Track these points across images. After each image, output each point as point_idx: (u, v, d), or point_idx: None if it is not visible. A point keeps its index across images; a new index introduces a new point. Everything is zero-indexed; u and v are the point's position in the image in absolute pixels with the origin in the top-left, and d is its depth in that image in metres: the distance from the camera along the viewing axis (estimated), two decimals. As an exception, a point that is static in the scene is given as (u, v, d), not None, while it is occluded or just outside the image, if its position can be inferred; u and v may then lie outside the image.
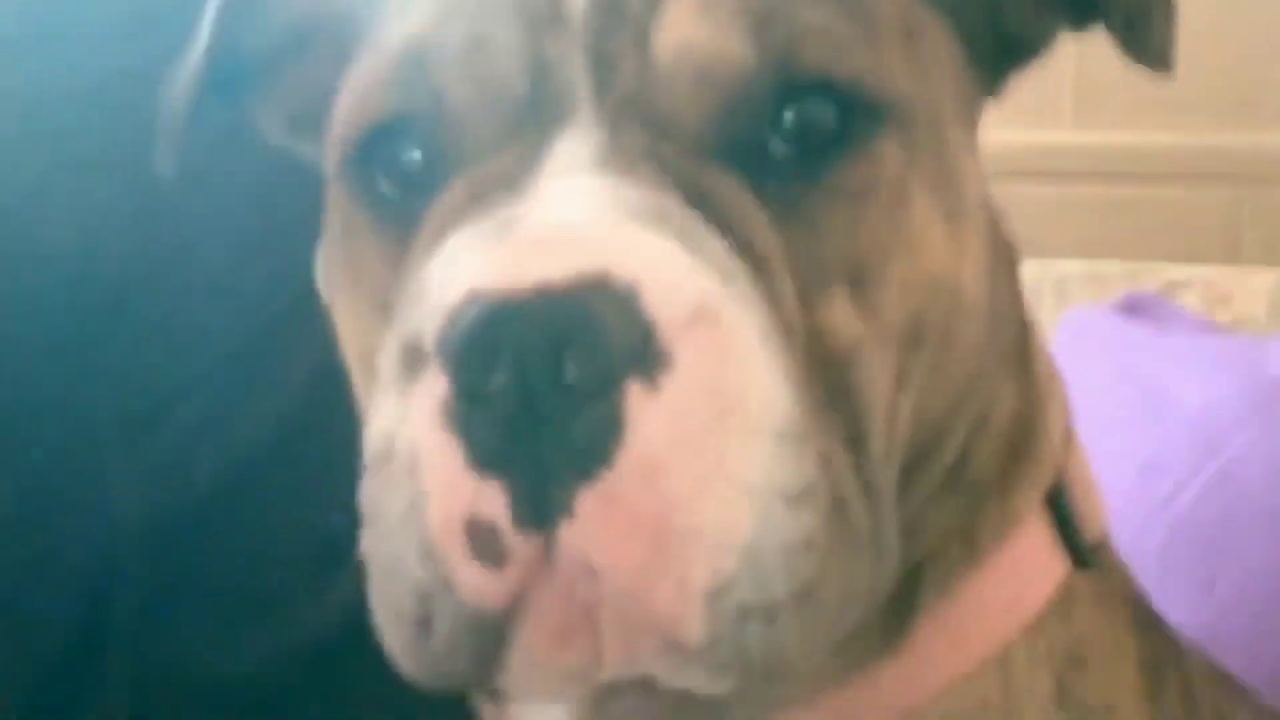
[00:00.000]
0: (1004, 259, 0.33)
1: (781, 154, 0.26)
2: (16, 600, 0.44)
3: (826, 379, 0.25)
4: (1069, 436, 0.35)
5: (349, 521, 0.48)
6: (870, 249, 0.26)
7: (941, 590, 0.32)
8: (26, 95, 0.45)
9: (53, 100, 0.45)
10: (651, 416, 0.21)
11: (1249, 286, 0.77)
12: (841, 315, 0.25)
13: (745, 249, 0.24)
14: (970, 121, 0.32)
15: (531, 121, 0.25)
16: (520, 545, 0.21)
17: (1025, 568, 0.34)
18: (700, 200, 0.24)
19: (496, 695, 0.28)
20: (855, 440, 0.25)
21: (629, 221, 0.23)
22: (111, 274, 0.46)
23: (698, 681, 0.24)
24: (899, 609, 0.31)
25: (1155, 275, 0.78)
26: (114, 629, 0.46)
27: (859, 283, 0.26)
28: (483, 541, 0.22)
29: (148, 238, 0.46)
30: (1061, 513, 0.34)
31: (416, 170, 0.27)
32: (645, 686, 0.25)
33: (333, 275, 0.32)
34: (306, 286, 0.45)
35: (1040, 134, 1.03)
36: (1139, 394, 0.59)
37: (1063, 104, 1.06)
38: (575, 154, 0.24)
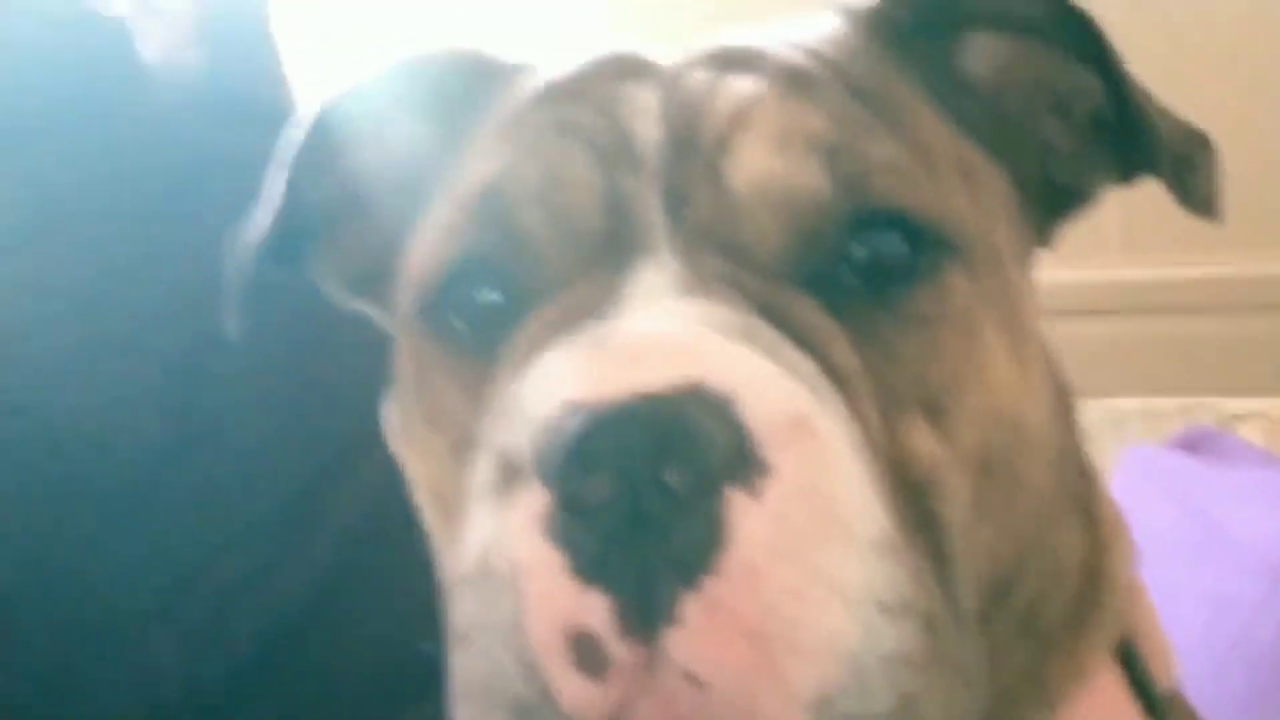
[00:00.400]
0: (1063, 403, 0.32)
1: (853, 282, 0.26)
2: None
3: (908, 503, 0.24)
4: (1134, 584, 0.34)
5: (404, 663, 0.43)
6: (943, 376, 0.26)
7: None
8: (46, 277, 0.45)
9: (72, 281, 0.46)
10: (753, 523, 0.21)
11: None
12: (920, 440, 0.25)
13: (829, 369, 0.24)
14: (1026, 265, 0.32)
15: (608, 255, 0.26)
16: (624, 655, 0.21)
17: (1100, 718, 0.33)
18: (782, 322, 0.24)
19: None
20: (938, 566, 0.24)
21: (719, 336, 0.23)
22: (143, 446, 0.45)
23: None
24: None
25: (1212, 410, 0.78)
26: None
27: (933, 409, 0.26)
28: (586, 652, 0.21)
29: (178, 410, 0.46)
30: (1133, 663, 0.33)
31: (493, 309, 0.27)
32: None
33: (406, 421, 0.31)
34: (339, 449, 0.48)
35: (1089, 271, 1.04)
36: (1203, 531, 0.60)
37: (1111, 240, 1.08)
38: (656, 281, 0.24)
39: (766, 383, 0.22)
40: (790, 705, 0.21)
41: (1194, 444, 0.71)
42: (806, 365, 0.23)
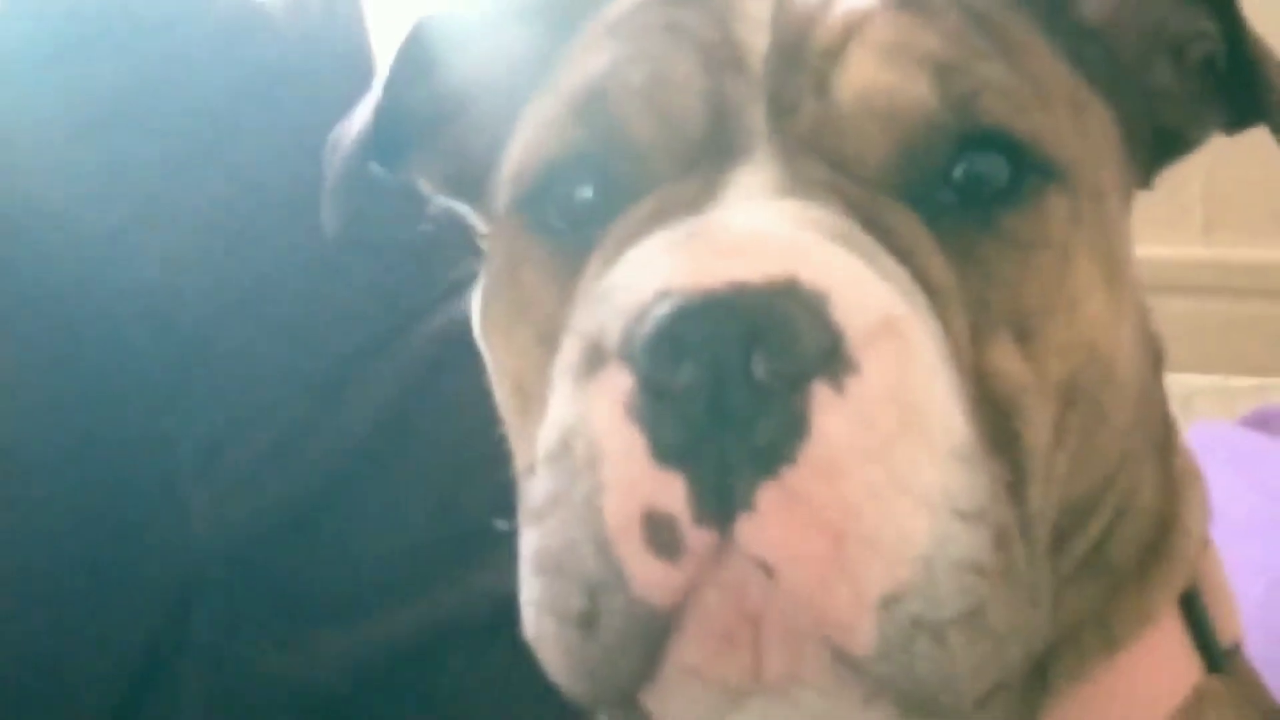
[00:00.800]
0: (1152, 349, 0.32)
1: (953, 200, 0.26)
2: (99, 611, 0.47)
3: (990, 421, 0.24)
4: (1205, 538, 0.34)
5: (425, 539, 0.49)
6: (1035, 301, 0.26)
7: (1074, 676, 0.31)
8: (116, 158, 0.48)
9: (134, 163, 0.49)
10: (837, 419, 0.21)
11: None
12: (1007, 360, 0.25)
13: (923, 280, 0.24)
14: (1127, 204, 0.31)
15: (710, 156, 0.26)
16: (698, 539, 0.21)
17: (1160, 665, 0.33)
18: (880, 231, 0.24)
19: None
20: (1015, 486, 0.24)
21: (817, 235, 0.23)
22: (193, 312, 0.48)
23: (856, 704, 0.23)
24: (1030, 689, 0.30)
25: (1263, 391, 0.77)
26: (191, 638, 0.48)
27: (1023, 332, 0.26)
28: (660, 534, 0.21)
29: (228, 279, 0.49)
30: (1197, 614, 0.33)
31: (589, 205, 0.28)
32: None
33: (493, 312, 0.31)
34: (375, 332, 0.50)
35: (1170, 249, 1.04)
36: (1270, 506, 0.61)
37: (1193, 219, 1.08)
38: (756, 182, 0.24)
39: (861, 284, 0.22)
40: (859, 601, 0.21)
41: (1265, 422, 0.71)
42: (901, 274, 0.23)
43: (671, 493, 0.21)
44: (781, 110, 0.26)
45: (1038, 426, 0.25)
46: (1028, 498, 0.25)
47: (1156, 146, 0.32)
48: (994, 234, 0.26)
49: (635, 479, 0.21)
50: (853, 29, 0.26)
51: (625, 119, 0.27)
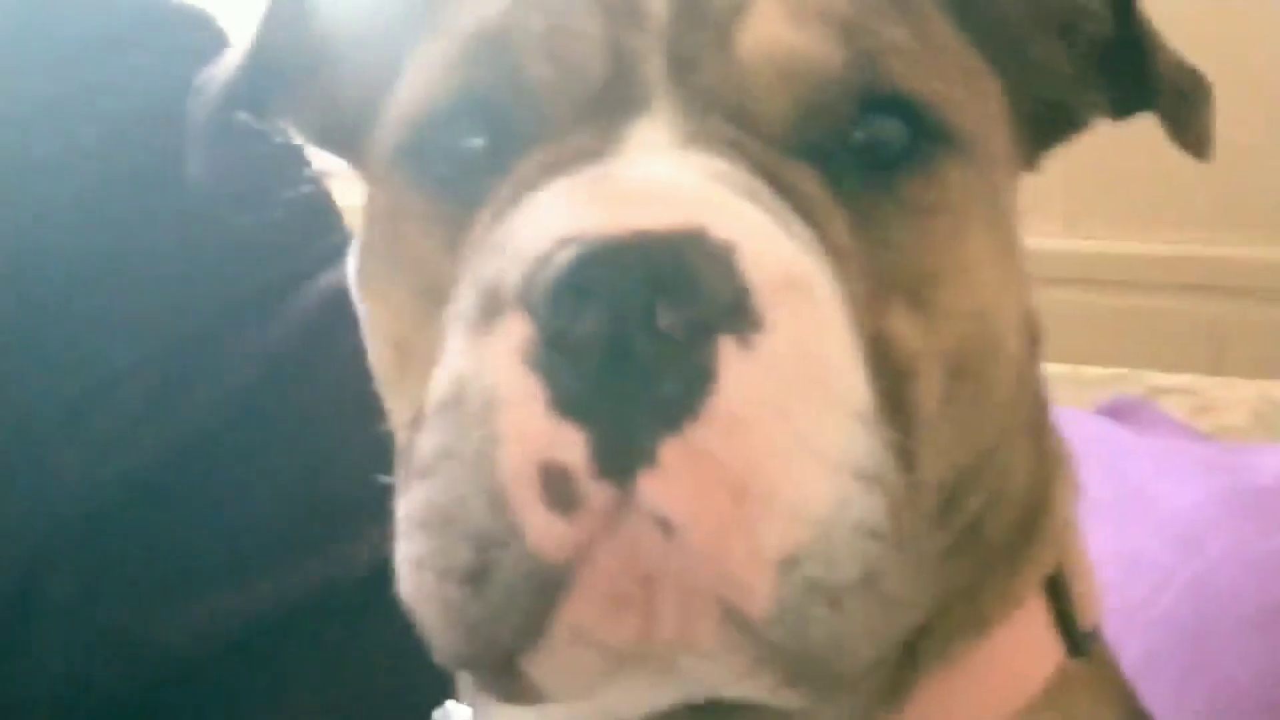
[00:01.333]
0: (1030, 329, 0.33)
1: (853, 162, 0.26)
2: None
3: (885, 386, 0.24)
4: (1072, 520, 0.35)
5: (298, 505, 0.49)
6: (930, 267, 0.27)
7: (942, 656, 0.32)
8: None
9: (20, 100, 0.49)
10: (742, 373, 0.20)
11: (1231, 397, 0.82)
12: (903, 325, 0.26)
13: (825, 241, 0.24)
14: (1014, 181, 0.32)
15: (609, 107, 0.25)
16: (595, 494, 0.21)
17: (1025, 648, 0.34)
18: (783, 189, 0.24)
19: (514, 692, 0.26)
20: (907, 453, 0.25)
21: (723, 188, 0.23)
22: (57, 268, 0.48)
23: (743, 671, 0.23)
24: (900, 668, 0.31)
25: (1139, 382, 0.82)
26: (50, 600, 0.47)
27: (917, 299, 0.26)
28: (557, 487, 0.21)
29: (96, 235, 0.49)
30: (1061, 597, 0.34)
31: (480, 154, 0.27)
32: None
33: (370, 267, 0.32)
34: (260, 284, 0.51)
35: (1030, 240, 1.09)
36: (1120, 494, 0.62)
37: (1054, 212, 1.12)
38: (657, 136, 0.24)
39: (769, 239, 0.22)
40: (758, 561, 0.21)
41: (1119, 412, 0.74)
42: (805, 234, 0.23)
43: (570, 445, 0.20)
44: (682, 64, 0.26)
45: (929, 394, 0.26)
46: (918, 465, 0.25)
47: (1042, 126, 0.33)
48: (892, 198, 0.26)
49: (533, 430, 0.21)
50: None
51: (523, 63, 0.26)
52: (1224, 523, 0.61)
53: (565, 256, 0.20)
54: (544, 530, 0.21)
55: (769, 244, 0.22)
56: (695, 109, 0.25)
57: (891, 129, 0.27)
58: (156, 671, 0.49)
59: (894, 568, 0.23)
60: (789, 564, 0.21)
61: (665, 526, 0.21)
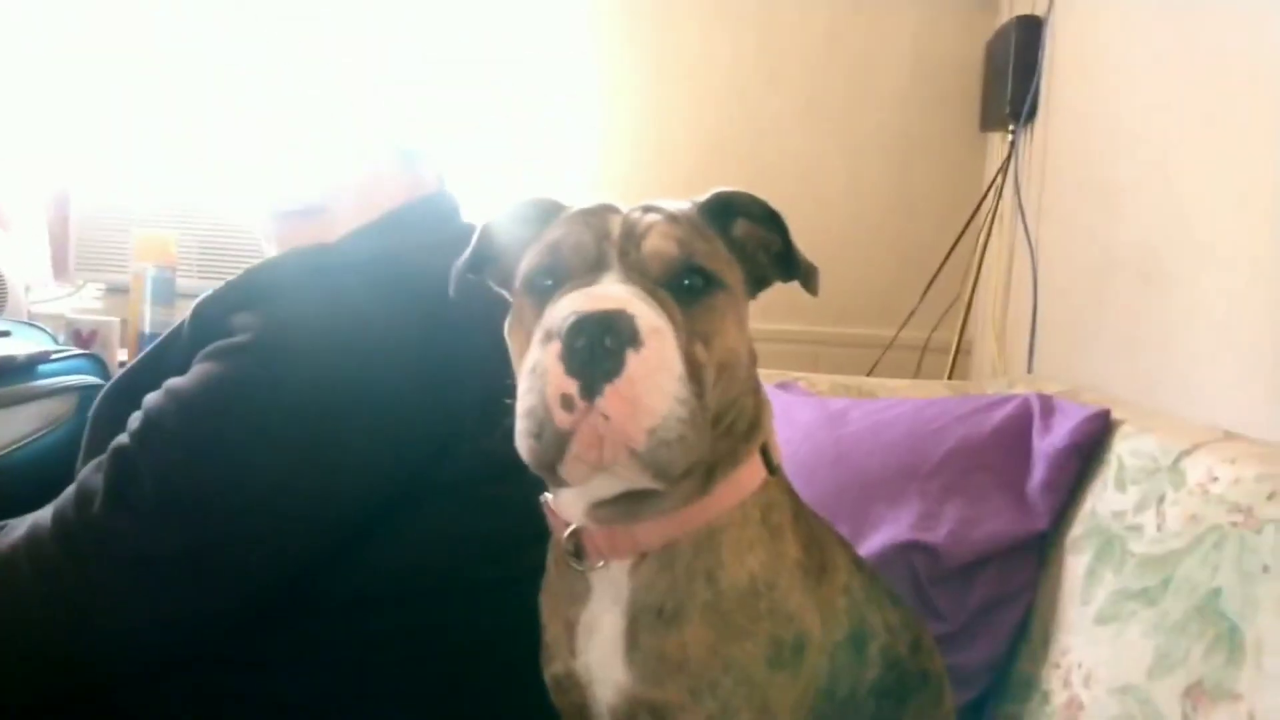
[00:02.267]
0: (752, 354, 0.66)
1: (684, 291, 0.57)
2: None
3: (693, 372, 0.55)
4: (771, 425, 0.69)
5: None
6: (712, 330, 0.58)
7: (724, 476, 0.64)
8: (359, 384, 0.70)
9: (370, 382, 0.71)
10: (636, 362, 0.51)
11: (821, 384, 1.60)
12: (700, 352, 0.56)
13: (670, 319, 0.54)
14: (746, 301, 0.64)
15: (593, 269, 0.57)
16: (581, 404, 0.51)
17: (752, 471, 0.66)
18: (656, 299, 0.55)
19: (557, 481, 0.56)
20: (701, 397, 0.55)
21: (634, 296, 0.53)
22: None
23: (635, 475, 0.55)
24: (707, 478, 0.63)
25: (785, 378, 1.57)
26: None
27: (707, 341, 0.57)
28: (566, 401, 0.51)
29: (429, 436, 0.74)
30: (766, 453, 0.67)
31: (547, 287, 0.58)
32: (614, 501, 0.60)
33: (513, 328, 0.62)
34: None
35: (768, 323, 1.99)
36: (782, 416, 1.39)
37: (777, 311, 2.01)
38: (612, 278, 0.55)
39: (649, 314, 0.52)
40: (641, 430, 0.52)
41: (786, 388, 1.50)
42: (662, 315, 0.55)
43: (571, 387, 0.51)
44: (624, 255, 0.58)
45: (709, 377, 0.57)
46: (705, 404, 0.57)
47: (754, 284, 0.66)
48: (698, 305, 0.59)
49: (558, 380, 0.51)
50: (650, 226, 0.59)
51: (563, 254, 0.59)
52: (818, 429, 1.31)
53: (572, 318, 0.49)
54: (562, 418, 0.51)
55: (649, 316, 0.52)
56: (627, 270, 0.56)
57: (698, 278, 0.59)
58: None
59: (691, 435, 0.54)
60: (652, 430, 0.52)
61: (605, 417, 0.50)
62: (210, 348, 0.72)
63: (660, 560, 0.64)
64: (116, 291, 2.04)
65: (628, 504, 0.64)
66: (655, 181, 2.04)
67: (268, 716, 0.76)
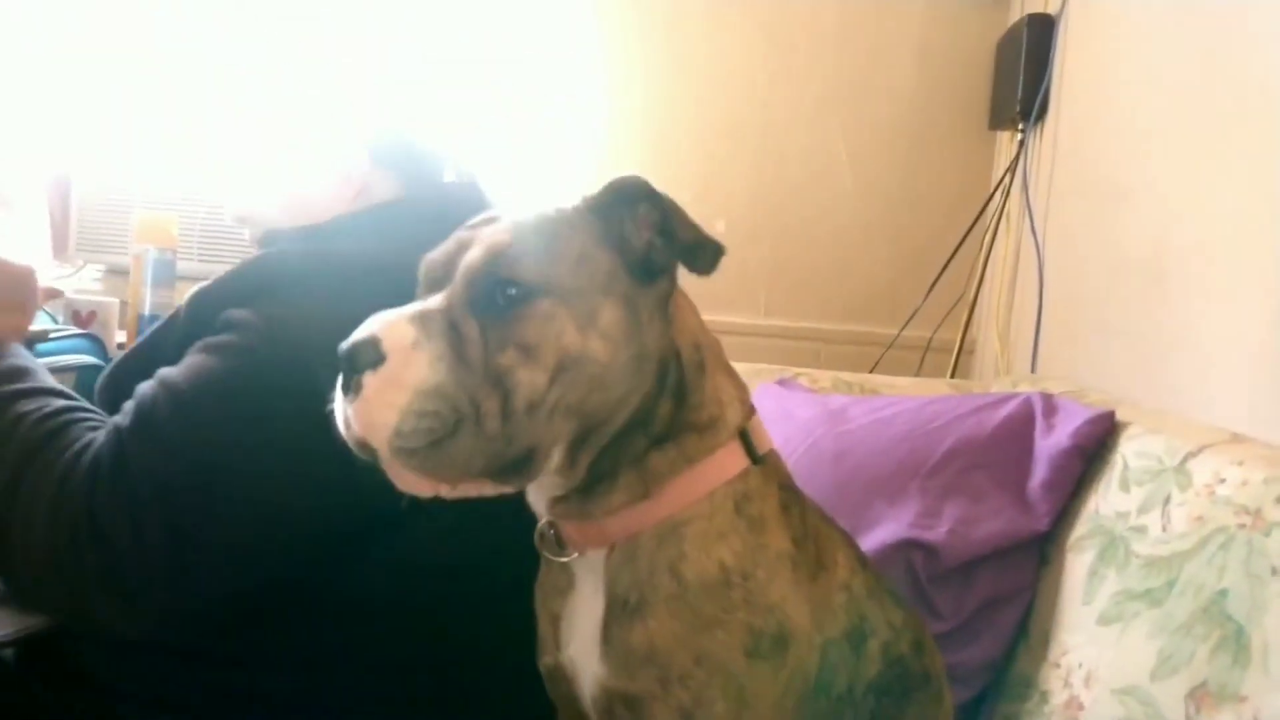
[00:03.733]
0: (696, 345, 0.66)
1: (493, 304, 0.58)
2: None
3: (495, 380, 0.57)
4: (750, 412, 0.68)
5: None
6: (532, 338, 0.58)
7: (677, 471, 0.64)
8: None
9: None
10: (370, 382, 0.55)
11: (823, 381, 1.60)
12: (510, 360, 0.57)
13: (457, 333, 0.57)
14: (639, 294, 0.62)
15: (436, 288, 0.60)
16: (350, 398, 0.56)
17: (724, 463, 0.65)
18: (453, 317, 0.58)
19: None
20: (504, 402, 0.57)
21: (406, 322, 0.57)
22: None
23: (420, 482, 0.58)
24: (595, 482, 0.64)
25: (785, 374, 1.59)
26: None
27: (527, 350, 0.58)
28: (344, 392, 0.57)
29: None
30: (747, 441, 0.67)
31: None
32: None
33: None
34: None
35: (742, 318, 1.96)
36: (785, 422, 1.39)
37: (758, 300, 2.01)
38: (437, 299, 0.59)
39: (398, 336, 0.56)
40: (380, 440, 0.56)
41: (784, 383, 1.51)
42: (437, 334, 0.57)
43: (342, 408, 0.58)
44: (455, 273, 0.60)
45: (525, 384, 0.58)
46: (514, 408, 0.58)
47: (649, 269, 0.64)
48: (510, 315, 0.59)
49: (339, 404, 0.58)
50: (472, 241, 0.61)
51: (425, 273, 0.63)
52: (818, 425, 1.31)
53: (341, 349, 0.56)
54: (345, 432, 0.58)
55: (396, 338, 0.56)
56: (451, 288, 0.60)
57: (511, 289, 0.59)
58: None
59: (459, 440, 0.56)
60: (389, 442, 0.55)
61: (363, 401, 0.55)
62: (204, 341, 0.73)
63: (625, 552, 0.65)
64: (117, 273, 2.04)
65: (578, 500, 0.65)
66: (661, 178, 2.02)
67: (267, 714, 0.77)
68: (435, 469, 0.57)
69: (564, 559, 0.67)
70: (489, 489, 0.60)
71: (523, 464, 0.60)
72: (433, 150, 0.92)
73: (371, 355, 0.56)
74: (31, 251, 1.79)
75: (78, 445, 0.72)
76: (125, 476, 0.69)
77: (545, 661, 0.71)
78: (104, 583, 0.68)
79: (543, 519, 0.68)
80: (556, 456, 0.62)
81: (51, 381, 0.77)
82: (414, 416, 0.55)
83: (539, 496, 0.67)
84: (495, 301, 0.59)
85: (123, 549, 0.68)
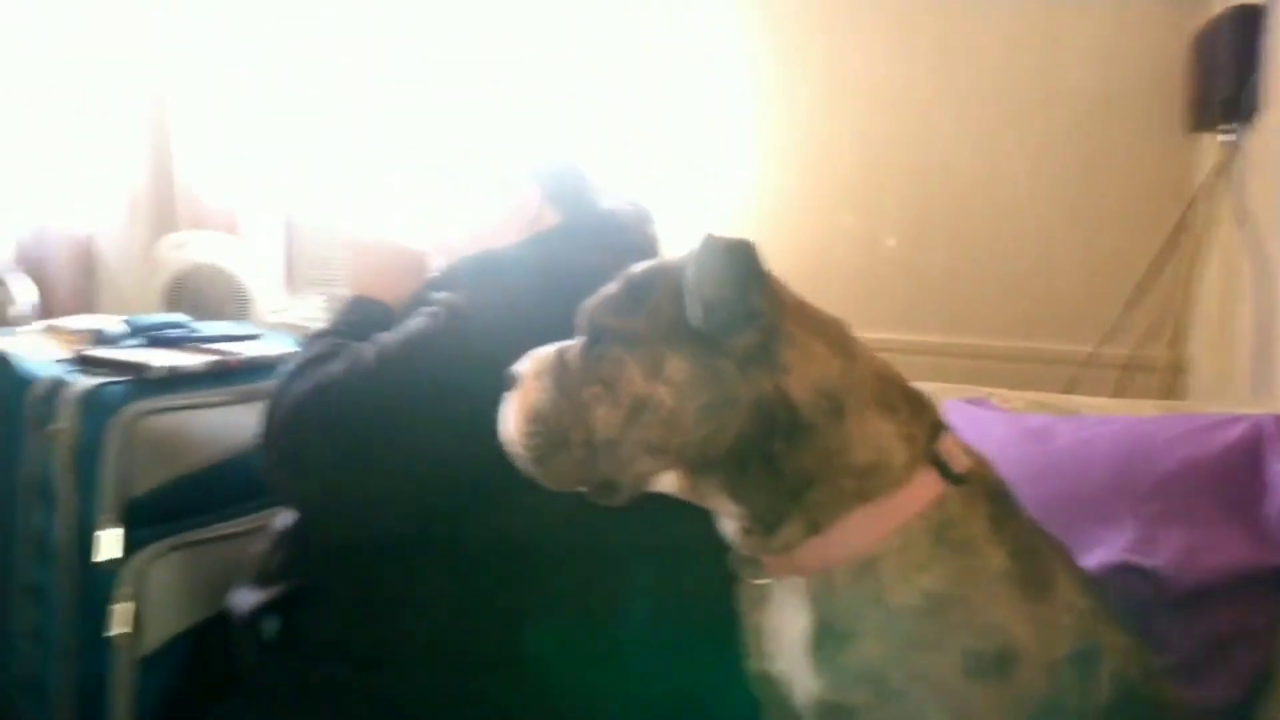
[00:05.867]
0: (825, 393, 0.66)
1: (590, 345, 0.68)
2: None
3: (582, 413, 0.66)
4: (934, 434, 0.68)
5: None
6: (609, 377, 0.65)
7: (840, 508, 0.65)
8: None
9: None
10: (511, 398, 0.72)
11: (1015, 401, 1.56)
12: (595, 393, 0.65)
13: (566, 368, 0.68)
14: (699, 347, 0.66)
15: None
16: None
17: (912, 495, 0.65)
18: (570, 354, 0.69)
19: None
20: (590, 433, 0.66)
21: (539, 357, 0.71)
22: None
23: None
24: (805, 516, 0.66)
25: (973, 393, 1.55)
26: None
27: (608, 384, 0.65)
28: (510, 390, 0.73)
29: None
30: (941, 464, 0.67)
31: None
32: None
33: None
34: None
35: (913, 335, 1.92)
36: (985, 442, 1.35)
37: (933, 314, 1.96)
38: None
39: (526, 368, 0.70)
40: (511, 434, 0.70)
41: (976, 403, 1.45)
42: (555, 366, 0.69)
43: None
44: None
45: (603, 420, 0.66)
46: (596, 440, 0.67)
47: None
48: (594, 356, 0.68)
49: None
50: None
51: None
52: (1014, 445, 1.24)
53: (510, 368, 0.75)
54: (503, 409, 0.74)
55: (528, 368, 0.70)
56: (579, 334, 0.72)
57: (599, 333, 0.68)
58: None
59: (554, 458, 0.68)
60: (513, 450, 0.70)
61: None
62: (411, 310, 0.93)
63: (821, 583, 0.66)
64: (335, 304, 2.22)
65: (760, 534, 0.69)
66: (813, 193, 2.03)
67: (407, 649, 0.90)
68: (543, 477, 0.69)
69: (759, 581, 0.71)
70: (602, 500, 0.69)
71: (614, 488, 0.68)
72: (595, 180, 1.05)
73: (515, 379, 0.70)
74: (266, 281, 2.00)
75: (328, 367, 0.92)
76: (327, 397, 0.88)
77: (753, 668, 0.73)
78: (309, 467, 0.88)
79: (735, 548, 0.71)
80: (667, 484, 0.69)
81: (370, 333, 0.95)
82: (524, 434, 0.68)
83: (726, 527, 0.71)
84: (594, 344, 0.68)
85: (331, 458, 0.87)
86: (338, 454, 0.85)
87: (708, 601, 0.78)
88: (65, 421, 1.08)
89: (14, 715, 1.08)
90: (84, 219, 2.21)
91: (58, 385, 1.11)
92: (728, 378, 0.65)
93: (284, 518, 0.99)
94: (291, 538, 0.96)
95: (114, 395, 1.10)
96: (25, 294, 1.96)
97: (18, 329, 1.39)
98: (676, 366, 0.65)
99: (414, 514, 0.87)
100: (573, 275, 0.83)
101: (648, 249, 1.00)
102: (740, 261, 0.64)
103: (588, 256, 0.90)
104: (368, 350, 0.89)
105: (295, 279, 2.17)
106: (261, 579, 0.97)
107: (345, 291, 1.05)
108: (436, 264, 1.06)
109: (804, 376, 0.66)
